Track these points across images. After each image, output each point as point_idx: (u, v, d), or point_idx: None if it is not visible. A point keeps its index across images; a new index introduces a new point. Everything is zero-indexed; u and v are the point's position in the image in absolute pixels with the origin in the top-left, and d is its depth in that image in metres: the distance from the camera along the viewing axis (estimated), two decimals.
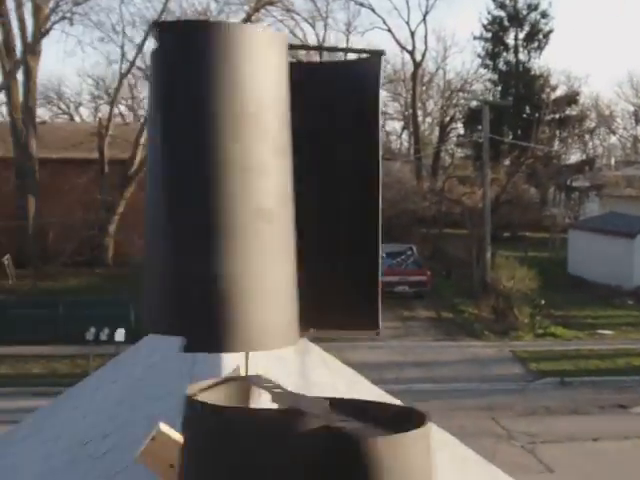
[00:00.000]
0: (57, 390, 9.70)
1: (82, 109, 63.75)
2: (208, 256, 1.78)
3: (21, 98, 41.01)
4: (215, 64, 1.82)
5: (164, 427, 2.62)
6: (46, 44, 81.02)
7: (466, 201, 41.11)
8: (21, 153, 39.96)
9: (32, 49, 40.37)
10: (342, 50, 3.27)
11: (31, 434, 7.38)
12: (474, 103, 56.47)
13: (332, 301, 1.97)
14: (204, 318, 1.78)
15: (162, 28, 1.98)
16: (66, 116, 57.20)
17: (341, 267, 2.00)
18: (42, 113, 50.28)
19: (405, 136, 65.68)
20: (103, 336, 24.22)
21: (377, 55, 2.14)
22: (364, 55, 2.22)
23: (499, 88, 58.49)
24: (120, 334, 23.27)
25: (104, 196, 39.21)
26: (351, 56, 2.31)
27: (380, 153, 2.10)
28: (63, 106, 57.18)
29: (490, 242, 35.57)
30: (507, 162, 49.94)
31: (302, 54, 28.40)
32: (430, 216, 46.50)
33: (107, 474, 4.38)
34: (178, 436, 2.61)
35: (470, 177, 45.03)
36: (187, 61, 1.84)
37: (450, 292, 36.17)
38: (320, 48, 14.76)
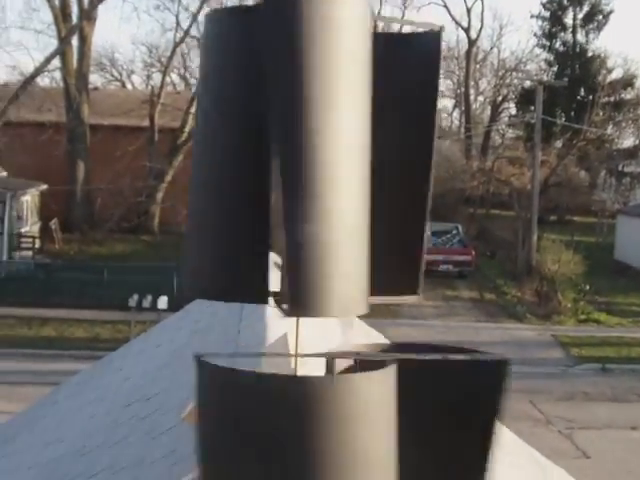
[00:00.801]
0: (98, 354, 9.83)
1: (134, 77, 64.23)
2: (295, 221, 1.78)
3: (75, 64, 41.33)
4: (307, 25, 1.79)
5: None
6: (102, 10, 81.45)
7: (515, 182, 40.76)
8: (73, 118, 40.33)
9: (88, 15, 40.61)
10: (406, 22, 3.28)
11: (75, 394, 7.52)
12: (528, 83, 55.80)
13: (377, 267, 1.98)
14: (294, 284, 1.78)
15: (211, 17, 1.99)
16: (118, 83, 57.51)
17: (387, 233, 2.01)
18: (95, 79, 50.60)
19: (456, 114, 65.20)
20: (146, 303, 24.38)
21: (438, 30, 2.14)
22: (423, 30, 2.21)
23: (554, 69, 57.71)
24: (163, 302, 23.43)
25: (153, 164, 39.46)
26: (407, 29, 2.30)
27: (435, 128, 2.10)
28: (116, 73, 57.49)
29: (537, 224, 35.27)
30: (558, 144, 49.35)
31: None
32: (477, 196, 46.18)
33: (150, 435, 4.45)
34: None
35: (520, 158, 44.53)
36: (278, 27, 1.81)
37: (494, 273, 35.97)
38: (382, 18, 14.66)
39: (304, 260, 1.77)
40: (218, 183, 1.93)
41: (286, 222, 1.79)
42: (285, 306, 1.80)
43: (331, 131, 1.81)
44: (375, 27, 2.16)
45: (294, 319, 2.04)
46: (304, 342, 2.18)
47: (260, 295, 1.84)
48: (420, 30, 2.19)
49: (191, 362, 5.70)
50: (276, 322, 4.65)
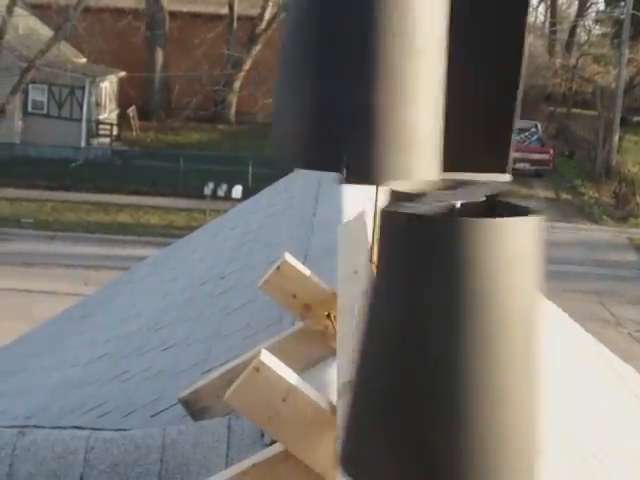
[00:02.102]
0: (173, 241, 9.97)
1: None
2: (362, 82, 1.71)
3: None
4: None
5: (289, 258, 2.67)
6: None
7: (599, 80, 39.67)
8: (152, 4, 40.17)
9: None
10: None
11: (150, 274, 7.67)
12: None
13: (463, 142, 1.92)
14: (355, 148, 1.72)
15: None
16: None
17: (477, 106, 1.94)
18: None
19: (541, 9, 63.23)
20: (221, 192, 24.64)
21: None
22: None
23: None
24: (237, 191, 23.65)
25: (231, 52, 39.25)
26: None
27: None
28: None
29: (619, 125, 34.43)
30: None
31: None
32: (559, 94, 45.08)
33: (224, 311, 4.53)
34: (303, 268, 2.66)
35: (606, 56, 43.23)
36: None
37: (572, 173, 35.39)
38: None
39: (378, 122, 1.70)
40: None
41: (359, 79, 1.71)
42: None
43: None
44: None
45: (372, 197, 2.00)
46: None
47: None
48: None
49: (266, 243, 5.72)
50: (352, 203, 4.64)
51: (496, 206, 1.64)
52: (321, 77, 1.72)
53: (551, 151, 34.99)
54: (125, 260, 17.73)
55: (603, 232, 27.72)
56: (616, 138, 34.01)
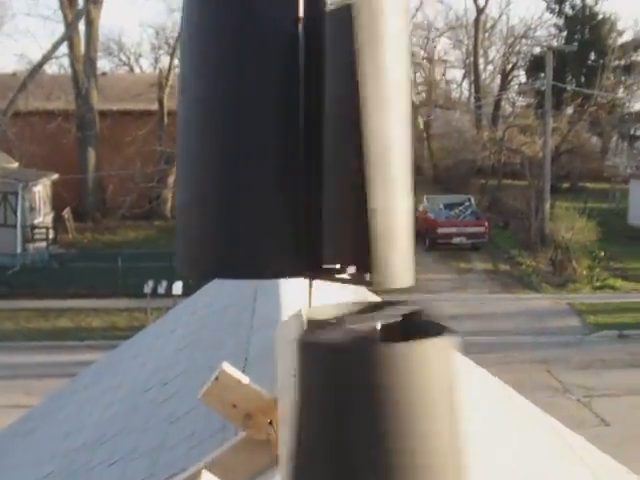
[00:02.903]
0: (116, 343, 9.88)
1: (142, 60, 64.07)
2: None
3: (82, 49, 41.29)
4: None
5: (227, 367, 2.67)
6: None
7: (526, 151, 40.60)
8: (82, 105, 40.33)
9: None
10: None
11: (93, 383, 7.58)
12: (537, 50, 55.45)
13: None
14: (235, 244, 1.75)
15: None
16: (126, 67, 57.42)
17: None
18: (103, 64, 50.55)
19: (465, 85, 64.81)
20: (161, 289, 24.45)
21: None
22: None
23: (564, 34, 57.31)
24: (178, 287, 23.47)
25: (163, 148, 39.45)
26: None
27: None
28: (123, 57, 57.37)
29: (549, 192, 35.16)
30: (569, 110, 49.07)
31: None
32: (489, 166, 45.99)
33: (168, 420, 4.49)
34: (241, 376, 2.66)
35: (531, 126, 44.34)
36: None
37: (508, 244, 35.90)
38: None
39: (380, 228, 1.74)
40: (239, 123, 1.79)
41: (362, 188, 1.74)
42: (373, 278, 1.76)
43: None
44: None
45: (306, 292, 2.02)
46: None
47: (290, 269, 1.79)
48: None
49: (207, 345, 5.70)
50: (290, 300, 4.67)
51: (413, 325, 1.68)
52: (220, 185, 1.75)
53: (486, 223, 35.49)
54: (68, 366, 17.41)
55: (543, 300, 28.04)
56: (547, 206, 34.67)
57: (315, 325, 1.77)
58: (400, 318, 1.73)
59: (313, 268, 1.80)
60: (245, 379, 2.68)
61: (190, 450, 3.68)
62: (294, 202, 1.74)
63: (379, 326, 1.72)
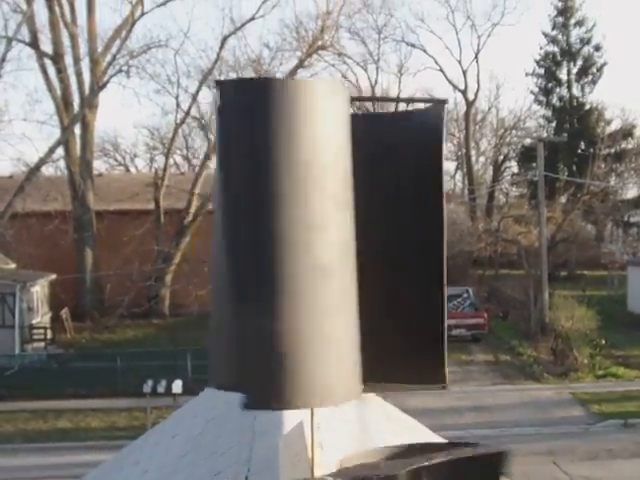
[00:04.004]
0: (116, 443, 9.77)
1: (138, 160, 64.66)
2: (269, 313, 1.79)
3: (78, 152, 41.81)
4: (274, 120, 1.82)
5: None
6: (103, 97, 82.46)
7: (522, 240, 40.81)
8: (79, 206, 40.66)
9: (90, 103, 41.20)
10: (405, 100, 3.29)
11: None
12: (528, 140, 56.25)
13: (397, 356, 1.98)
14: (265, 375, 1.77)
15: (222, 87, 1.99)
16: (122, 168, 58.09)
17: (406, 322, 2.01)
18: (98, 165, 51.19)
19: (459, 176, 65.51)
20: (160, 388, 24.27)
21: (440, 104, 2.11)
22: (426, 104, 2.20)
23: (553, 124, 58.23)
24: (177, 386, 23.33)
25: (160, 247, 39.63)
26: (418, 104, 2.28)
27: (444, 209, 2.07)
28: (119, 158, 58.14)
29: (547, 281, 35.19)
30: (563, 199, 49.51)
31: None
32: (486, 257, 46.20)
33: None
34: None
35: (525, 216, 44.70)
36: (246, 118, 1.84)
37: (508, 334, 35.81)
38: (383, 99, 14.87)
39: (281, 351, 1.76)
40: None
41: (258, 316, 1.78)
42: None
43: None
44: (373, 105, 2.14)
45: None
46: (320, 426, 2.16)
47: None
48: (424, 105, 2.17)
49: (209, 451, 5.61)
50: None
51: None
52: (239, 315, 1.78)
53: (485, 314, 35.51)
54: (67, 468, 17.26)
55: (546, 390, 27.82)
56: (546, 295, 34.69)
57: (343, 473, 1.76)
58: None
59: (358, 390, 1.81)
60: None
61: None
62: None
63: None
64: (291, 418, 4.40)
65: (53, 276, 37.46)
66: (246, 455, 4.57)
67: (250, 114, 1.91)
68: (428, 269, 1.98)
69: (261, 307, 1.76)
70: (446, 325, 2.02)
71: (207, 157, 42.57)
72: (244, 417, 5.87)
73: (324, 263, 1.76)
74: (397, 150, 2.01)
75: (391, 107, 37.38)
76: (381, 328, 1.91)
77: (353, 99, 2.02)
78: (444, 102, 2.03)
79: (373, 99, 14.15)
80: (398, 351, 1.88)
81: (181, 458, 6.18)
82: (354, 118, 2.01)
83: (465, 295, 36.39)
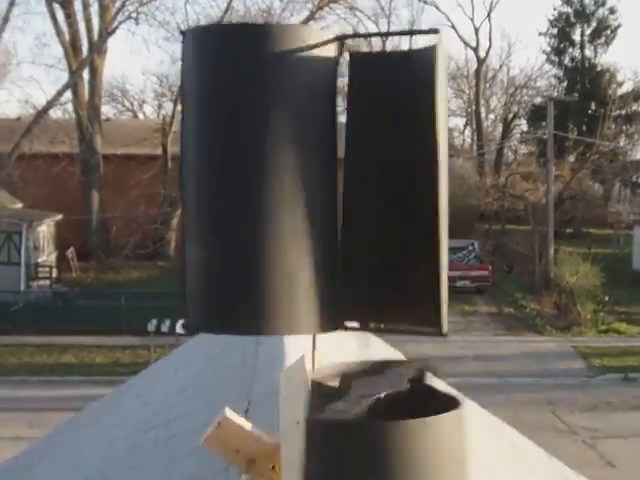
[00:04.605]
0: (119, 379, 9.83)
1: (146, 106, 64.31)
2: (239, 239, 1.74)
3: (87, 96, 41.63)
4: (254, 67, 1.75)
5: (230, 413, 2.64)
6: (112, 43, 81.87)
7: (529, 197, 40.69)
8: (86, 149, 40.58)
9: (98, 48, 40.93)
10: (396, 34, 3.21)
11: (94, 420, 7.50)
12: (538, 99, 55.85)
13: (395, 299, 1.94)
14: (238, 301, 1.75)
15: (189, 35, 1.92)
16: (130, 113, 57.72)
17: (400, 261, 1.97)
18: (107, 110, 50.81)
19: (468, 132, 65.12)
20: (164, 328, 24.44)
21: (433, 33, 2.03)
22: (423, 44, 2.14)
23: (564, 84, 57.74)
24: (181, 326, 23.48)
25: (167, 191, 39.60)
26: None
27: (439, 147, 2.01)
28: (127, 103, 57.66)
29: (553, 238, 35.20)
30: (572, 158, 49.25)
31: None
32: (492, 212, 46.12)
33: (170, 459, 4.44)
34: (243, 422, 2.63)
35: (533, 173, 44.50)
36: (222, 66, 1.77)
37: (512, 288, 35.90)
38: (374, 34, 14.72)
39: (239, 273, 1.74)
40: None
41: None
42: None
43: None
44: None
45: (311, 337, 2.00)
46: (321, 360, 2.15)
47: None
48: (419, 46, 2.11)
49: (209, 386, 5.65)
50: (294, 343, 4.64)
51: (419, 395, 1.66)
52: (214, 240, 1.74)
53: (489, 267, 35.59)
54: (71, 401, 17.36)
55: (548, 342, 27.97)
56: (551, 251, 34.71)
57: (321, 391, 1.75)
58: (404, 385, 1.70)
59: (327, 325, 1.79)
60: (248, 425, 2.65)
61: None
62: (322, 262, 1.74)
63: (383, 395, 1.70)
64: (291, 353, 4.41)
65: (59, 216, 37.54)
66: (246, 390, 4.59)
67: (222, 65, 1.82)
68: (424, 216, 1.92)
69: (236, 230, 1.70)
70: (445, 265, 1.95)
71: None
72: (245, 353, 5.89)
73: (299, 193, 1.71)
74: (389, 91, 1.93)
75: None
76: (374, 265, 1.85)
77: (345, 37, 1.93)
78: (436, 31, 1.92)
79: (362, 35, 14.07)
80: (393, 291, 1.81)
81: (182, 392, 6.22)
82: (351, 56, 1.92)
83: (470, 248, 36.44)
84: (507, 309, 32.67)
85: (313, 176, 1.80)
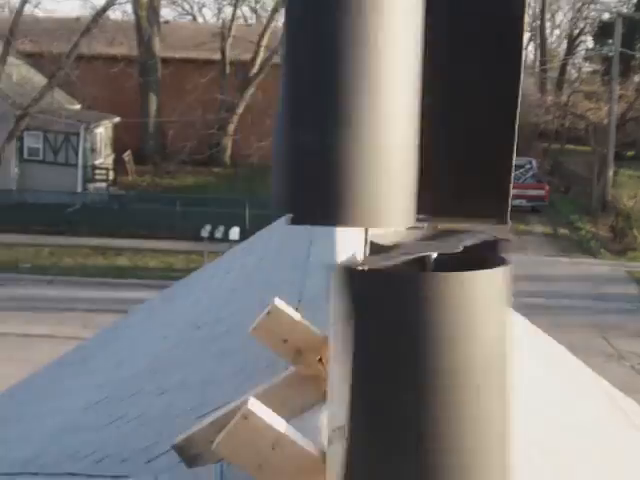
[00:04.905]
0: (172, 284, 9.94)
1: (205, 10, 63.91)
2: (322, 126, 1.70)
3: None
4: None
5: (279, 302, 2.64)
6: None
7: (591, 117, 39.89)
8: (144, 51, 40.49)
9: None
10: None
11: (147, 318, 7.63)
12: (606, 16, 54.26)
13: (459, 190, 1.90)
14: (317, 189, 1.71)
15: None
16: (189, 17, 57.38)
17: (473, 155, 1.91)
18: (166, 13, 50.71)
19: (531, 48, 63.76)
20: (218, 234, 24.65)
21: None
22: None
23: (633, 0, 56.01)
24: (234, 232, 23.64)
25: (224, 96, 39.48)
26: None
27: (522, 59, 1.94)
28: (187, 7, 57.31)
29: (613, 159, 34.58)
30: (637, 78, 48.01)
31: None
32: (552, 130, 45.35)
33: (219, 355, 4.49)
34: (293, 312, 2.63)
35: (596, 92, 43.52)
36: None
37: (568, 209, 35.50)
38: None
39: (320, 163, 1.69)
40: None
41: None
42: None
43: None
44: None
45: (362, 238, 1.96)
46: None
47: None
48: None
49: (261, 286, 5.69)
50: (346, 244, 4.62)
51: (471, 257, 1.63)
52: (298, 128, 1.71)
53: (547, 187, 35.14)
54: (124, 303, 17.68)
55: (602, 266, 27.72)
56: (611, 173, 34.17)
57: (373, 248, 1.73)
58: (461, 248, 1.68)
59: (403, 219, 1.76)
60: (297, 315, 2.65)
61: (239, 385, 3.66)
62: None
63: (434, 255, 1.68)
64: (342, 254, 4.38)
65: (117, 119, 37.71)
66: (298, 290, 4.59)
67: None
68: (502, 106, 1.85)
69: (312, 121, 1.64)
70: (513, 166, 1.89)
71: (275, 10, 41.83)
72: (297, 255, 5.89)
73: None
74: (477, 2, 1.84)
75: None
76: (446, 162, 1.79)
77: None
78: None
79: None
80: (456, 180, 1.76)
81: (234, 291, 6.27)
82: None
83: (528, 166, 35.93)
84: (562, 230, 32.36)
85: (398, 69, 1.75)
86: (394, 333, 1.50)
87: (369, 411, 1.54)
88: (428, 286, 1.48)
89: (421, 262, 1.68)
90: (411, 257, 1.67)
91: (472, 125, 1.88)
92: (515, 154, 1.93)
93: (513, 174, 1.94)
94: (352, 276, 1.57)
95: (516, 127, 1.95)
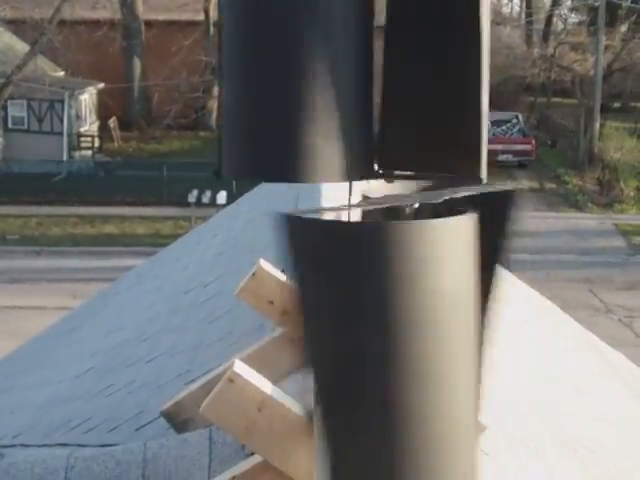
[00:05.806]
0: (160, 250, 9.93)
1: None
2: (275, 88, 1.68)
3: None
4: None
5: (264, 264, 2.65)
6: None
7: (577, 68, 39.72)
8: (127, 14, 40.07)
9: None
10: None
11: (135, 285, 7.64)
12: None
13: (427, 140, 1.89)
14: (274, 147, 1.69)
15: None
16: None
17: (437, 100, 1.90)
18: None
19: (517, 0, 63.28)
20: (205, 199, 24.60)
21: None
22: None
23: None
24: (222, 197, 23.61)
25: (209, 58, 39.17)
26: None
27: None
28: None
29: (600, 111, 34.51)
30: (623, 28, 47.74)
31: None
32: (539, 83, 45.17)
33: (207, 319, 4.51)
34: (278, 273, 2.63)
35: (583, 44, 43.29)
36: None
37: (554, 162, 35.48)
38: None
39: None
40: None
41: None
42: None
43: None
44: None
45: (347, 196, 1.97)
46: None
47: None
48: None
49: (247, 249, 5.69)
50: (333, 200, 4.62)
51: (450, 209, 1.64)
52: (245, 81, 1.68)
53: (533, 141, 35.08)
54: (113, 271, 17.64)
55: (589, 219, 27.78)
56: (597, 125, 34.09)
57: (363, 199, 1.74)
58: (443, 200, 1.68)
59: (366, 172, 1.75)
60: (282, 276, 2.66)
61: (227, 348, 3.69)
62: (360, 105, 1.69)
63: (415, 206, 1.69)
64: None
65: (101, 85, 37.38)
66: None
67: None
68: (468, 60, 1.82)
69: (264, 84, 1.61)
70: (486, 112, 1.86)
71: None
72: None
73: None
74: None
75: None
76: (408, 105, 1.77)
77: None
78: None
79: None
80: (427, 134, 1.73)
81: (220, 255, 6.28)
82: None
83: (514, 121, 35.86)
84: (549, 185, 32.37)
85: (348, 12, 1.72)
86: (341, 285, 1.51)
87: (334, 372, 1.55)
88: (368, 235, 1.48)
89: (395, 213, 1.69)
90: (380, 207, 1.68)
91: (437, 70, 1.85)
92: (487, 101, 1.90)
93: (486, 124, 1.91)
94: (291, 225, 1.58)
95: (483, 68, 1.91)
